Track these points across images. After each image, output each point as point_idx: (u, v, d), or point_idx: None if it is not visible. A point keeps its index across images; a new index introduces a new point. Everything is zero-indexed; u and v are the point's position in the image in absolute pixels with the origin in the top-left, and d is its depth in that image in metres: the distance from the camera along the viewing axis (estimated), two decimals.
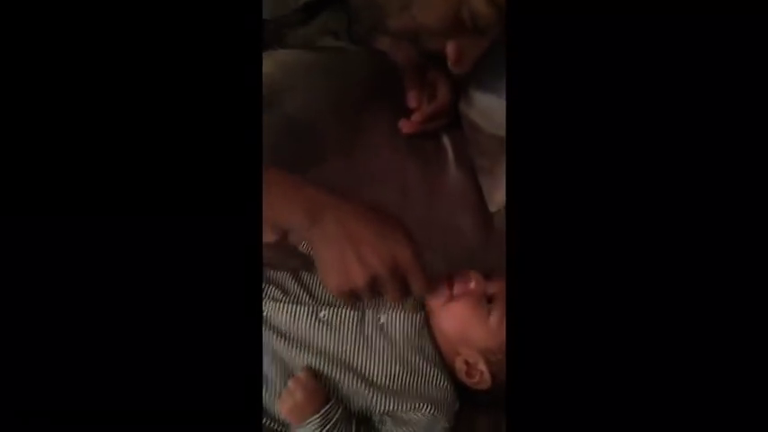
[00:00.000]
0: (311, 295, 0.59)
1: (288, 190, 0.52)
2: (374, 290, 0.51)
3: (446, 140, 0.72)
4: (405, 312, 0.58)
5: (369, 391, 0.55)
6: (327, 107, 0.72)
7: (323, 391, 0.54)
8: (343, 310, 0.58)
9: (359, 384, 0.55)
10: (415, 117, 0.68)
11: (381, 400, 0.55)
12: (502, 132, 0.66)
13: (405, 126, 0.69)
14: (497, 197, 0.67)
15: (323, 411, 0.53)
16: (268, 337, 0.57)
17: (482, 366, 0.56)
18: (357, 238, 0.50)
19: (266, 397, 0.55)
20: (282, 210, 0.52)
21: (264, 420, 0.56)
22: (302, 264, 0.65)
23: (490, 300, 0.58)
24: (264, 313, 0.58)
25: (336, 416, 0.53)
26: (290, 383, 0.54)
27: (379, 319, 0.58)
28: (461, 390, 0.58)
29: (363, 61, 0.76)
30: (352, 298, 0.52)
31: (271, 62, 0.75)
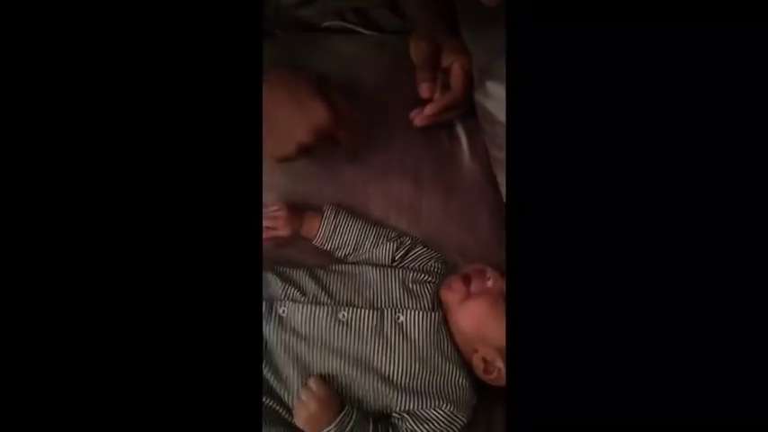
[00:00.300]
0: (330, 295, 0.60)
1: None
2: (309, 151, 0.58)
3: (460, 129, 0.70)
4: (423, 312, 0.59)
5: (389, 390, 0.56)
6: (338, 96, 0.70)
7: (336, 398, 0.55)
8: (363, 311, 0.58)
9: (379, 384, 0.56)
10: (428, 110, 0.66)
11: (402, 398, 0.56)
12: None
13: (417, 119, 0.67)
14: None
15: (338, 420, 0.54)
16: (287, 339, 0.57)
17: (499, 364, 0.57)
18: (276, 115, 0.55)
19: (288, 399, 0.57)
20: None
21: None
22: (319, 262, 0.65)
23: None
24: (283, 314, 0.59)
25: (352, 422, 0.54)
26: (303, 394, 0.55)
27: (398, 318, 0.58)
28: (479, 384, 0.60)
29: (374, 47, 0.74)
30: (291, 161, 0.59)
31: (277, 48, 0.73)
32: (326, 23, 0.76)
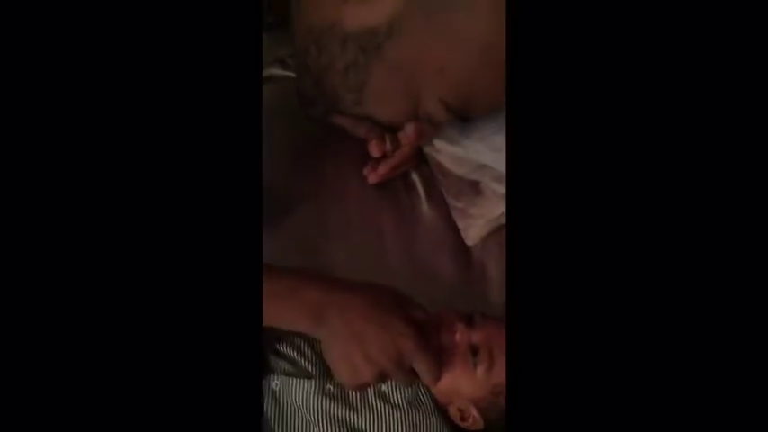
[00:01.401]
0: (316, 367, 0.62)
1: (287, 297, 0.54)
2: (384, 379, 0.56)
3: (415, 178, 0.71)
4: None
5: None
6: (284, 152, 0.69)
7: None
8: None
9: None
10: (382, 169, 0.66)
11: None
12: (472, 176, 0.65)
13: (371, 176, 0.67)
14: (473, 233, 0.68)
15: None
16: (282, 412, 0.60)
17: (474, 412, 0.62)
18: (362, 336, 0.53)
19: None
20: (286, 318, 0.55)
21: None
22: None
23: (475, 351, 0.62)
24: (276, 388, 0.61)
25: None
26: None
27: (380, 387, 0.62)
28: (455, 428, 0.64)
29: None
30: (364, 389, 0.58)
31: None
32: (266, 74, 0.73)
